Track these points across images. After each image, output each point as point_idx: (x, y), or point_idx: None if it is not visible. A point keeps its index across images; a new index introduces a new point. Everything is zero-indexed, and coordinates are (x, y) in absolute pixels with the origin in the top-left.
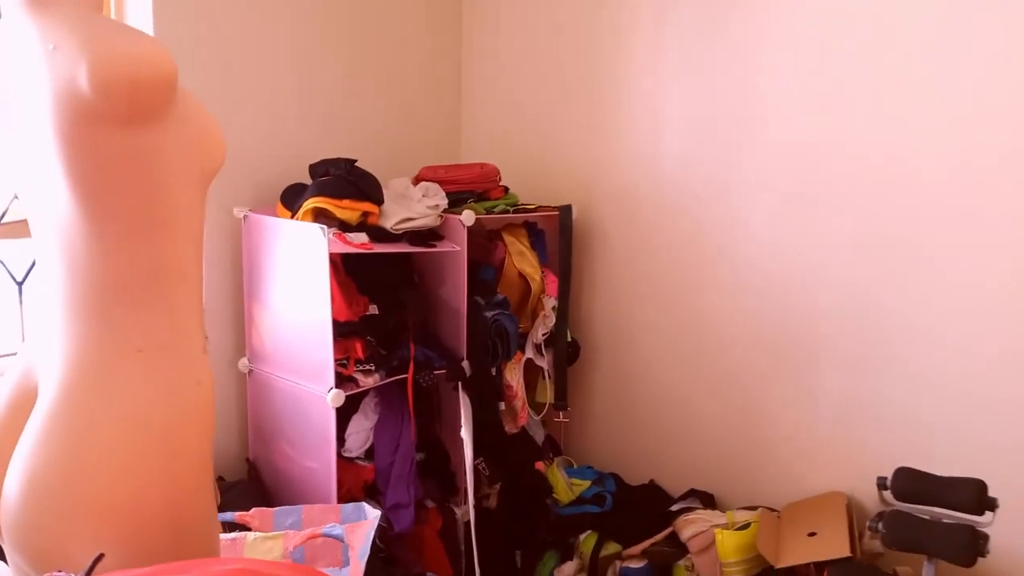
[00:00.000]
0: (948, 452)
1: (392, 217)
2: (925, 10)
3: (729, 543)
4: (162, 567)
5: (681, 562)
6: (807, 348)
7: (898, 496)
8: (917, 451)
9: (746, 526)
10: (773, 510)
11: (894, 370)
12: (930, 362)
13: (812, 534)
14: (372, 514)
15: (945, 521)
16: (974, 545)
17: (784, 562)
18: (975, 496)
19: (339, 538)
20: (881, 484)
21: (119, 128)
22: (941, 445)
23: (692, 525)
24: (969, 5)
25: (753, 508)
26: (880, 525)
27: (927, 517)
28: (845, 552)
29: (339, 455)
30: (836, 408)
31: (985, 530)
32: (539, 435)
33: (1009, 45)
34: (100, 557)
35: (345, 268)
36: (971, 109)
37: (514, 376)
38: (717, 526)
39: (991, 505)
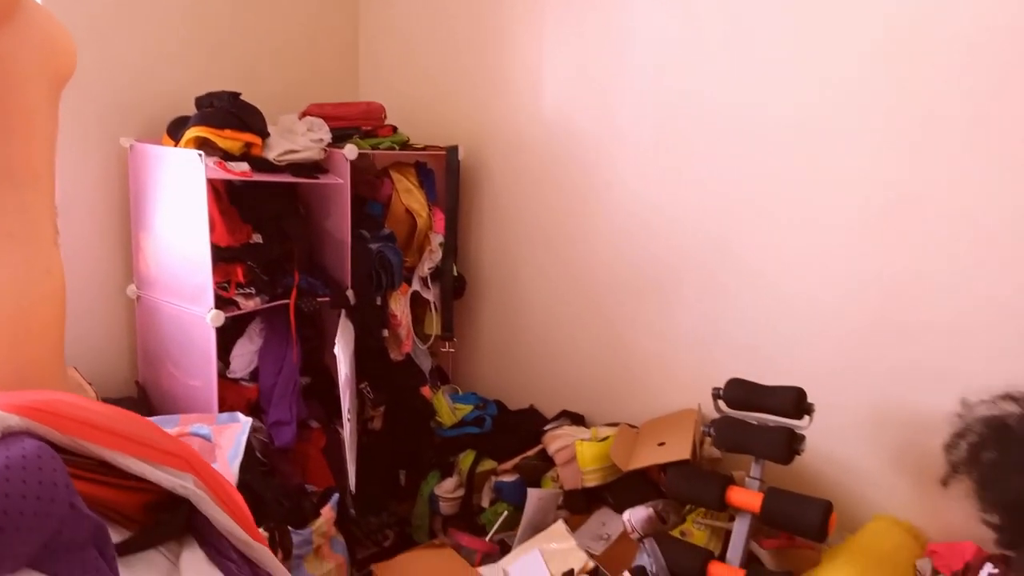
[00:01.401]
0: (778, 365)
1: (276, 149)
2: None
3: (588, 453)
4: None
5: (549, 474)
6: (667, 281)
7: (730, 404)
8: (756, 367)
9: (607, 439)
10: (633, 426)
11: (739, 298)
12: (767, 290)
13: (661, 444)
14: (244, 420)
15: (768, 424)
16: (791, 445)
17: (631, 466)
18: (794, 402)
19: (206, 437)
20: (716, 394)
21: None
22: (774, 360)
23: (559, 440)
24: None
25: (616, 425)
26: (712, 430)
27: (754, 422)
28: (686, 456)
29: (224, 376)
30: (691, 334)
31: (802, 432)
32: (427, 364)
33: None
34: None
35: (229, 198)
36: (813, 65)
37: (399, 306)
38: (580, 440)
39: (808, 410)
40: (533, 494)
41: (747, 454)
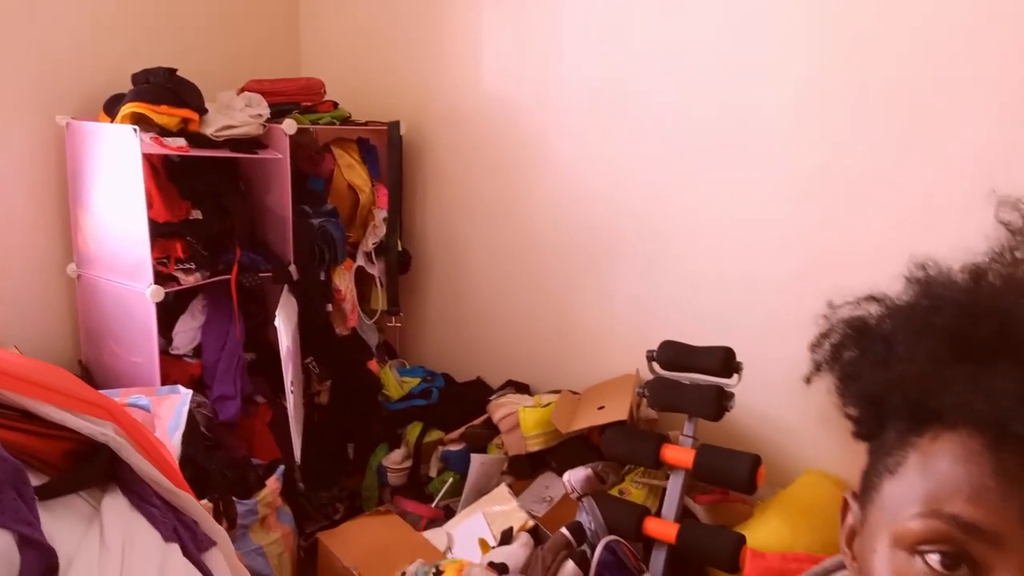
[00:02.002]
0: (711, 327)
1: (213, 125)
2: None
3: (530, 418)
4: None
5: (494, 441)
6: (605, 252)
7: (663, 365)
8: (690, 329)
9: (549, 406)
10: (576, 393)
11: (672, 267)
12: (698, 256)
13: (601, 408)
14: (184, 391)
15: (699, 383)
16: (720, 402)
17: (571, 429)
18: (723, 361)
19: (145, 408)
20: (650, 356)
21: None
22: (707, 322)
23: (503, 408)
24: None
25: (559, 392)
26: (646, 391)
27: (686, 382)
28: (623, 417)
29: (167, 353)
30: (628, 300)
31: (731, 390)
32: (373, 339)
33: None
34: None
35: (168, 174)
36: (738, 44)
37: (343, 281)
38: (523, 407)
39: (737, 368)
40: (476, 459)
41: (679, 412)
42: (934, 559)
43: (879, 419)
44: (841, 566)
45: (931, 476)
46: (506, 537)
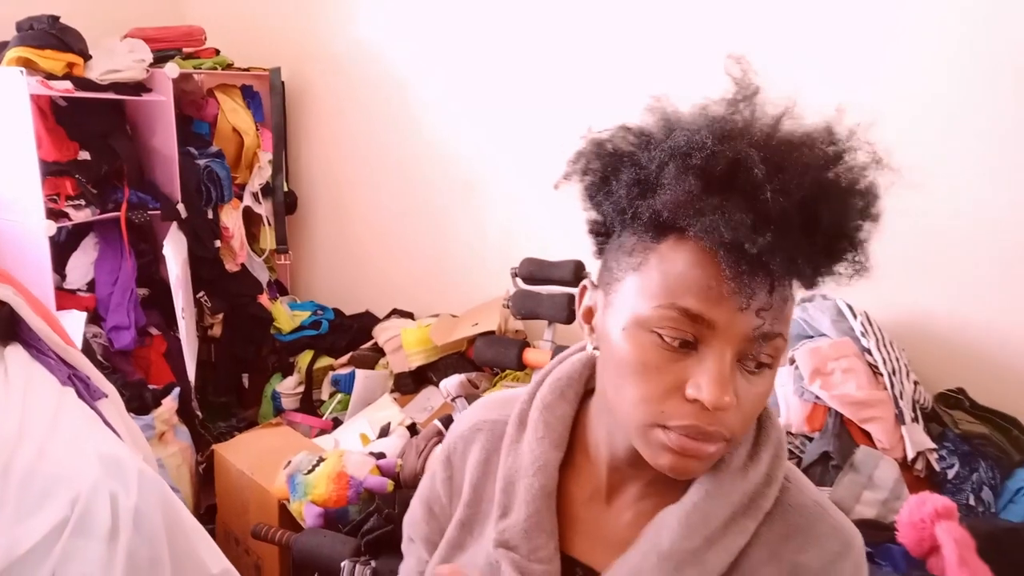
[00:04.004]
0: (569, 243)
1: (98, 69)
2: None
3: (411, 337)
4: None
5: (381, 362)
6: (473, 185)
7: (525, 280)
8: (553, 248)
9: (429, 325)
10: (455, 316)
11: (533, 195)
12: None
13: (475, 324)
14: (79, 314)
15: (553, 293)
16: (571, 308)
17: (443, 341)
18: (574, 272)
19: None
20: (513, 273)
21: None
22: (565, 239)
23: (387, 332)
24: None
25: (438, 316)
26: (509, 302)
27: (544, 293)
28: (492, 329)
29: (61, 288)
30: (500, 229)
31: None
32: (264, 276)
33: None
34: None
35: (55, 118)
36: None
37: (231, 219)
38: (406, 328)
39: (586, 278)
40: (360, 374)
41: (538, 319)
42: (665, 334)
43: (621, 225)
44: (578, 349)
45: (669, 276)
46: (384, 431)
